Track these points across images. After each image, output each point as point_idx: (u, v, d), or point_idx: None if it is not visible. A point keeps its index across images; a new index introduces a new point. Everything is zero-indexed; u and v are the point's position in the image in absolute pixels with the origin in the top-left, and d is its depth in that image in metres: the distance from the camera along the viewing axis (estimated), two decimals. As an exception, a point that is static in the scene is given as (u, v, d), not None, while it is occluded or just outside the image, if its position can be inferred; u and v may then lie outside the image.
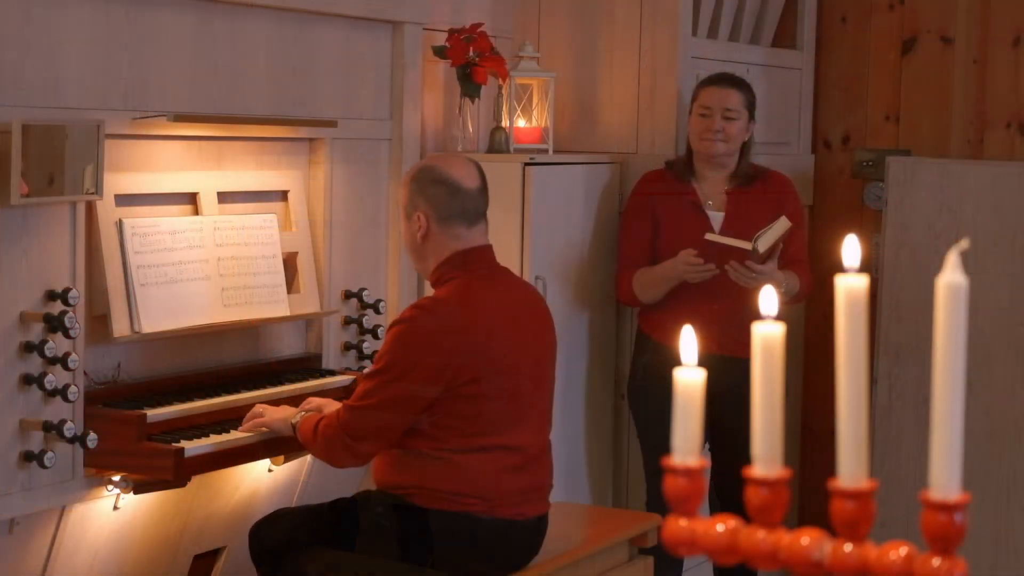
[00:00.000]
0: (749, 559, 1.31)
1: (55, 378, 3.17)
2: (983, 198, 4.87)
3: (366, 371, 3.64)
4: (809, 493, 5.30)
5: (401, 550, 3.38)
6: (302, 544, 3.45)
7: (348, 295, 4.06)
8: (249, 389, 3.66)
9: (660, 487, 1.43)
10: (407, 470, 3.37)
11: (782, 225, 4.14)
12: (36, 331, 3.16)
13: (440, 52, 4.35)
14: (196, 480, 3.44)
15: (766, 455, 1.31)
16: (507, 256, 4.10)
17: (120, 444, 3.27)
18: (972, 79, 5.18)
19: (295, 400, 3.63)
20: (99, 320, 3.36)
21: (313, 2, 3.87)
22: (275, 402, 3.60)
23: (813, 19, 5.40)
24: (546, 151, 4.53)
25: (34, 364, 3.16)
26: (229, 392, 3.61)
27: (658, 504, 4.36)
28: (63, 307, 3.18)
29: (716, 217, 4.38)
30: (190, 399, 3.49)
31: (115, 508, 3.40)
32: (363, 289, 4.09)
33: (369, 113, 4.13)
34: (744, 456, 1.47)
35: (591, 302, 4.60)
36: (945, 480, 1.25)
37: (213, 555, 3.80)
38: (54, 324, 3.15)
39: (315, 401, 3.58)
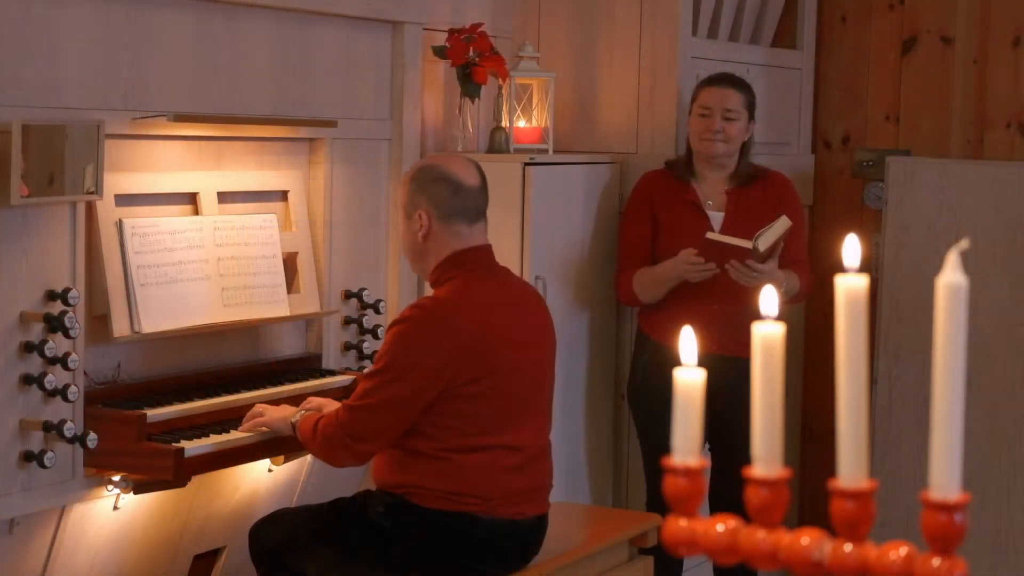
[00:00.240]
0: (749, 559, 1.31)
1: (55, 378, 3.17)
2: (983, 198, 4.87)
3: (366, 371, 3.64)
4: (809, 493, 5.30)
5: (401, 550, 3.38)
6: (302, 544, 3.45)
7: (348, 295, 4.06)
8: (249, 389, 3.66)
9: (660, 487, 1.43)
10: (407, 470, 3.37)
11: (783, 224, 4.14)
12: (36, 331, 3.16)
13: (440, 52, 4.35)
14: (196, 480, 3.44)
15: (766, 455, 1.31)
16: (507, 256, 4.11)
17: (120, 444, 3.27)
18: (972, 79, 5.18)
19: (295, 400, 3.62)
20: (99, 320, 3.36)
21: (313, 2, 3.87)
22: (275, 402, 3.60)
23: (813, 19, 5.40)
24: (546, 151, 4.53)
25: (34, 364, 3.16)
26: (229, 392, 3.61)
27: (658, 504, 4.36)
28: (63, 307, 3.18)
29: (716, 217, 4.38)
30: (190, 399, 3.49)
31: (115, 508, 3.40)
32: (363, 289, 4.09)
33: (369, 113, 4.13)
34: (744, 456, 1.47)
35: (591, 302, 4.60)
36: (945, 480, 1.25)
37: (213, 555, 3.80)
38: (54, 324, 3.15)
39: (315, 401, 3.58)
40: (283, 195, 3.90)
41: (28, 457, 3.16)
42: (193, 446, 3.32)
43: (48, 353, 3.15)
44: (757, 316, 1.33)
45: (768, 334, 1.31)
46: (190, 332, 3.55)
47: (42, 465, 3.15)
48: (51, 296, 3.19)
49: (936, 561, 1.24)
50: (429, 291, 3.54)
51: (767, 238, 4.12)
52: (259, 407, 3.53)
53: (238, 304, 3.66)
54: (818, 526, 1.32)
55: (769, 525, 1.30)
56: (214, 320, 3.60)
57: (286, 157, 3.93)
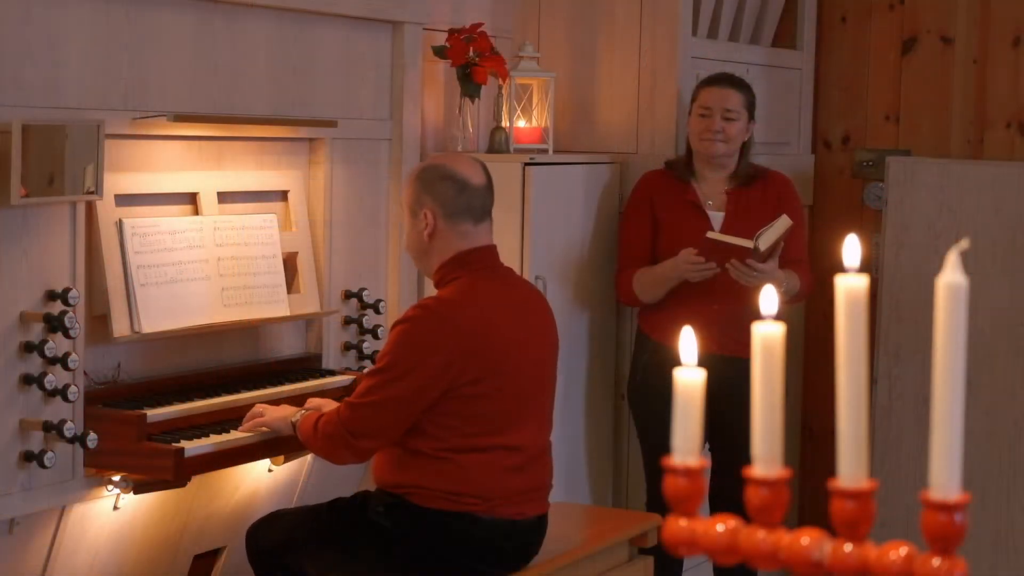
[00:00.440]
0: (749, 559, 1.31)
1: (55, 378, 3.17)
2: (983, 198, 4.87)
3: (368, 369, 3.64)
4: (809, 493, 5.30)
5: (401, 550, 3.38)
6: (301, 544, 3.45)
7: (348, 295, 4.06)
8: (249, 389, 3.66)
9: (660, 487, 1.43)
10: (407, 469, 3.37)
11: (783, 223, 4.14)
12: (36, 331, 3.16)
13: (440, 52, 4.35)
14: (196, 480, 3.44)
15: (766, 455, 1.31)
16: (507, 256, 4.09)
17: (120, 444, 3.27)
18: (972, 79, 5.18)
19: (295, 400, 3.62)
20: (99, 320, 3.36)
21: (313, 2, 3.87)
22: (275, 402, 3.60)
23: (813, 19, 5.40)
24: (546, 151, 4.53)
25: (34, 364, 3.16)
26: (229, 392, 3.61)
27: (658, 504, 4.36)
28: (63, 307, 3.18)
29: (716, 217, 4.38)
30: (190, 399, 3.49)
31: (115, 508, 3.39)
32: (363, 289, 4.09)
33: (369, 113, 4.13)
34: (744, 456, 1.47)
35: (591, 302, 4.60)
36: (945, 480, 1.25)
37: (213, 555, 3.80)
38: (54, 324, 3.15)
39: (315, 401, 3.58)
40: (283, 195, 3.90)
41: (28, 457, 3.16)
42: (193, 446, 3.32)
43: (48, 353, 3.15)
44: (757, 316, 1.33)
45: (768, 334, 1.31)
46: (190, 332, 3.55)
47: (42, 465, 3.15)
48: (51, 296, 3.19)
49: (936, 561, 1.24)
50: (430, 291, 3.54)
51: (768, 237, 4.12)
52: (259, 407, 3.53)
53: (238, 304, 3.66)
54: (818, 526, 1.32)
55: (769, 525, 1.30)
56: (214, 320, 3.60)
57: (286, 157, 3.93)
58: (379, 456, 3.43)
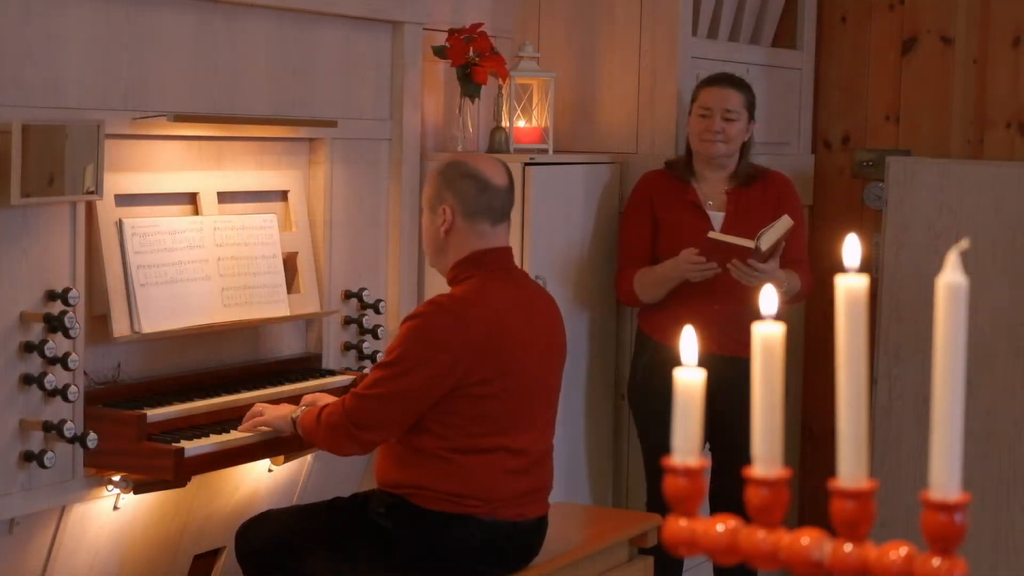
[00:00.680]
0: (749, 559, 1.31)
1: (55, 378, 3.17)
2: (983, 198, 4.87)
3: (377, 362, 3.63)
4: (809, 493, 5.30)
5: (402, 551, 3.38)
6: (295, 545, 3.44)
7: (348, 295, 4.06)
8: (249, 389, 3.66)
9: (660, 487, 1.43)
10: (410, 468, 3.37)
11: (784, 223, 4.14)
12: (36, 331, 3.16)
13: (440, 52, 4.35)
14: (196, 480, 3.44)
15: (766, 455, 1.31)
16: (507, 256, 4.10)
17: (120, 444, 3.27)
18: (972, 79, 5.18)
19: (295, 400, 3.62)
20: (99, 320, 3.36)
21: (313, 2, 3.87)
22: (275, 402, 3.59)
23: (813, 19, 5.40)
24: (546, 151, 4.53)
25: (34, 364, 3.16)
26: (229, 392, 3.61)
27: (658, 504, 4.36)
28: (63, 307, 3.18)
29: (716, 217, 4.38)
30: (190, 399, 3.49)
31: (115, 508, 3.40)
32: (363, 289, 4.08)
33: (369, 113, 4.13)
34: (744, 456, 1.47)
35: (591, 302, 4.60)
36: (945, 480, 1.25)
37: (213, 555, 3.80)
38: (54, 324, 3.15)
39: (311, 397, 3.58)
40: (283, 195, 3.90)
41: (28, 457, 3.16)
42: (193, 446, 3.32)
43: (48, 353, 3.15)
44: (757, 316, 1.33)
45: (768, 334, 1.31)
46: (190, 332, 3.55)
47: (42, 465, 3.15)
48: (51, 296, 3.19)
49: (936, 561, 1.24)
50: (430, 292, 3.55)
51: (769, 237, 4.12)
52: (259, 406, 3.53)
53: (238, 304, 3.66)
54: (818, 526, 1.32)
55: (769, 525, 1.30)
56: (214, 320, 3.60)
57: (286, 157, 3.93)
58: (382, 453, 3.43)
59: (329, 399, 3.53)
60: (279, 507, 3.71)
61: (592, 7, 4.82)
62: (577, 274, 4.51)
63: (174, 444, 3.28)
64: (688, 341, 1.35)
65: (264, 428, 3.49)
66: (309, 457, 3.87)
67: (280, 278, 3.78)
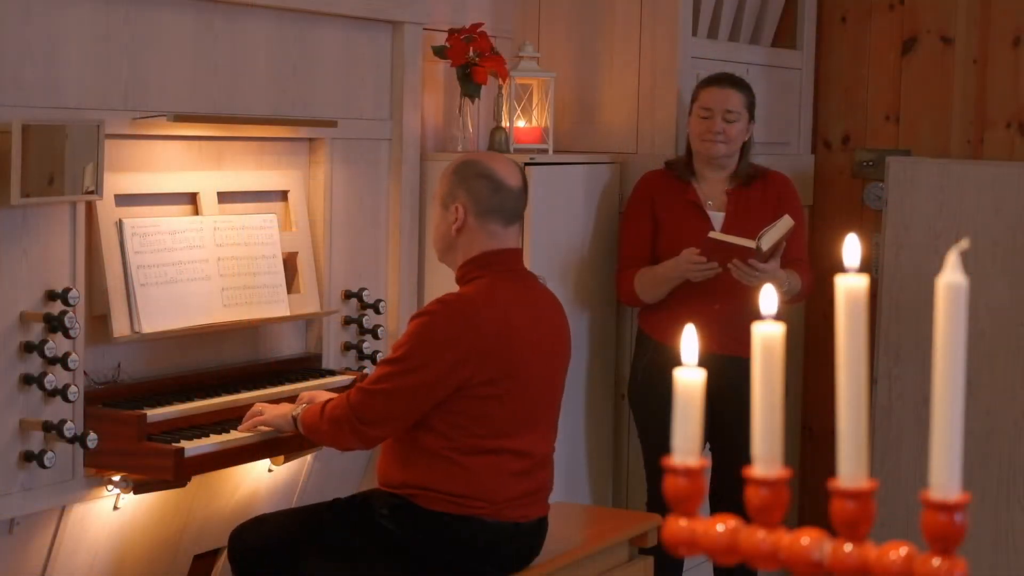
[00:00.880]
0: (749, 559, 1.31)
1: (55, 378, 3.17)
2: (983, 198, 4.87)
3: (383, 358, 3.63)
4: (809, 493, 5.30)
5: (404, 552, 3.37)
6: (294, 547, 3.43)
7: (348, 295, 4.06)
8: (249, 389, 3.65)
9: (660, 487, 1.43)
10: (413, 468, 3.36)
11: (785, 223, 4.15)
12: (36, 331, 3.16)
13: (440, 52, 4.35)
14: (196, 480, 3.44)
15: (766, 455, 1.31)
16: (507, 256, 4.10)
17: (120, 444, 3.27)
18: (972, 79, 5.18)
19: (295, 400, 3.62)
20: (99, 320, 3.36)
21: (313, 2, 3.87)
22: (275, 402, 3.59)
23: (813, 19, 5.40)
24: (546, 151, 4.53)
25: (34, 364, 3.16)
26: (229, 392, 3.61)
27: (658, 504, 4.36)
28: (63, 307, 3.18)
29: (716, 217, 4.38)
30: (190, 399, 3.49)
31: (115, 508, 3.40)
32: (363, 289, 4.08)
33: (369, 113, 4.13)
34: (744, 456, 1.47)
35: (591, 302, 4.60)
36: (945, 480, 1.25)
37: (213, 555, 3.80)
38: (54, 324, 3.15)
39: (309, 394, 3.57)
40: (283, 195, 3.90)
41: (28, 457, 3.15)
42: (193, 446, 3.32)
43: (48, 353, 3.15)
44: (757, 316, 1.33)
45: (768, 334, 1.31)
46: (190, 332, 3.55)
47: (42, 465, 3.15)
48: (51, 296, 3.19)
49: (936, 561, 1.24)
50: (431, 292, 3.54)
51: (770, 237, 4.12)
52: (258, 406, 3.53)
53: (238, 304, 3.66)
54: (818, 526, 1.32)
55: (769, 525, 1.30)
56: (214, 320, 3.59)
57: (286, 157, 3.93)
58: (385, 452, 3.43)
59: (327, 395, 3.53)
60: (273, 511, 3.70)
61: (592, 7, 4.81)
62: (577, 274, 4.51)
63: (174, 444, 3.28)
64: (689, 341, 1.35)
65: (264, 428, 3.49)
66: (309, 457, 3.87)
67: (280, 278, 3.78)
